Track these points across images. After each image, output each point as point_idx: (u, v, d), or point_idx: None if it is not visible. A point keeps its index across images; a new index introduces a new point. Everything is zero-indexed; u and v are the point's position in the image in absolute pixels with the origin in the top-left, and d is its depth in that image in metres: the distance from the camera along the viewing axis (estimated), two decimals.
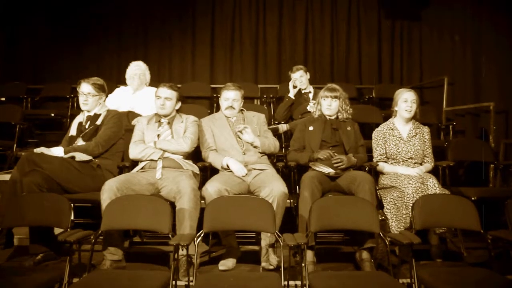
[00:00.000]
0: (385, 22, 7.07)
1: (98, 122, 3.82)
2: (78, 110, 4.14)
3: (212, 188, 3.31)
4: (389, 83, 6.80)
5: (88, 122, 3.83)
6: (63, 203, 2.85)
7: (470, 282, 2.45)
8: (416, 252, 2.63)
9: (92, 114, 3.86)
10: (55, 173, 3.40)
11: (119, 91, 4.93)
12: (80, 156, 3.60)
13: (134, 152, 3.69)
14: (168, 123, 3.83)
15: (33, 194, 3.12)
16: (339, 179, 3.63)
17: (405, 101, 3.83)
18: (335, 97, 3.88)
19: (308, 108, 4.87)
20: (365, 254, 3.31)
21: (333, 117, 3.92)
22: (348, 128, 3.89)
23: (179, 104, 3.89)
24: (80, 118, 3.93)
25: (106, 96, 4.01)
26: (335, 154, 3.67)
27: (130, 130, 3.99)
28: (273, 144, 3.89)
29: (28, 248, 3.38)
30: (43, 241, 3.34)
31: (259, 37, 7.19)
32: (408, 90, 3.89)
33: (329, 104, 3.89)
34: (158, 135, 3.74)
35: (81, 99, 3.84)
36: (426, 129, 3.91)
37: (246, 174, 3.59)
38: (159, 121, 3.84)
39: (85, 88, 3.82)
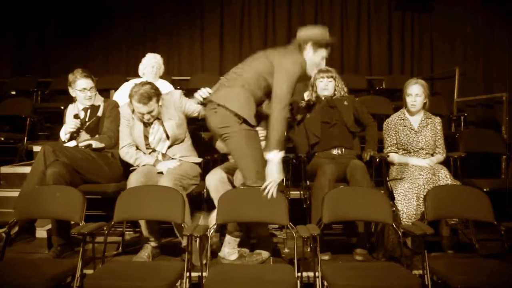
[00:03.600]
0: (396, 13, 7.01)
1: (99, 113, 3.81)
2: None
3: (215, 175, 3.38)
4: (400, 74, 6.75)
5: (88, 114, 3.81)
6: (77, 196, 2.87)
7: (483, 273, 2.45)
8: (427, 244, 2.62)
9: (88, 105, 3.82)
10: (77, 164, 3.45)
11: (131, 84, 4.89)
12: (96, 144, 3.64)
13: (127, 158, 3.64)
14: (158, 119, 3.60)
15: (47, 187, 3.14)
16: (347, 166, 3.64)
17: (409, 95, 3.80)
18: (331, 77, 3.88)
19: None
20: (359, 251, 3.36)
21: (328, 96, 3.90)
22: (345, 103, 3.88)
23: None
24: (74, 110, 3.87)
25: None
26: None
27: None
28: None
29: (51, 240, 3.43)
30: (63, 233, 3.38)
31: (268, 31, 7.15)
32: (414, 83, 3.81)
33: (325, 85, 3.89)
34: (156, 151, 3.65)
35: (85, 95, 3.75)
36: (437, 120, 3.87)
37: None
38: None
39: (87, 83, 3.75)
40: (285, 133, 3.14)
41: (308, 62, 3.09)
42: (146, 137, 3.59)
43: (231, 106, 2.97)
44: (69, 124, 3.72)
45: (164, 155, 3.62)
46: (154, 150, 3.62)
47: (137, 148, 3.64)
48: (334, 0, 7.13)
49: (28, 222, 3.58)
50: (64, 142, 3.72)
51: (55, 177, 3.25)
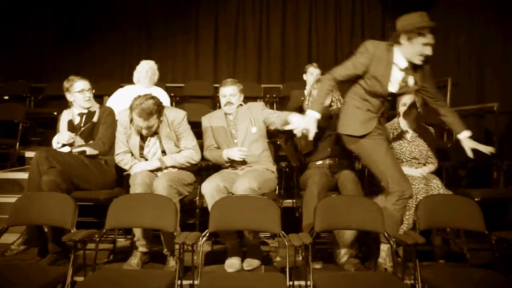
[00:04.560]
0: (389, 23, 7.06)
1: (95, 119, 3.81)
2: None
3: (211, 185, 3.35)
4: None
5: (83, 120, 3.81)
6: (69, 203, 2.85)
7: (474, 282, 2.45)
8: (419, 253, 2.63)
9: (85, 111, 3.83)
10: (70, 170, 3.44)
11: (124, 90, 4.91)
12: (90, 151, 3.63)
13: (121, 165, 3.66)
14: (156, 133, 3.57)
15: (39, 193, 3.14)
16: (337, 175, 3.65)
17: (404, 105, 3.82)
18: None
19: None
20: (351, 260, 3.35)
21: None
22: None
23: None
24: (68, 115, 3.87)
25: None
26: None
27: None
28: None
29: (48, 247, 3.39)
30: (59, 240, 3.32)
31: (262, 37, 7.20)
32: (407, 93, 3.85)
33: None
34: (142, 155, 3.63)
35: (84, 96, 3.77)
36: (431, 130, 3.90)
37: (245, 156, 3.64)
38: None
39: (85, 85, 3.79)
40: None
41: (407, 53, 3.06)
42: (141, 148, 3.59)
43: (341, 130, 3.24)
44: (63, 136, 3.70)
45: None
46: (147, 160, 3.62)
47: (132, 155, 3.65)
48: (328, 7, 7.19)
49: (37, 229, 3.56)
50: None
51: (50, 185, 3.24)
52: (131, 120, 3.51)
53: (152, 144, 3.56)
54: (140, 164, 3.51)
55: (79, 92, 3.77)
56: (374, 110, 3.16)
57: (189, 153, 3.61)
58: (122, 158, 3.62)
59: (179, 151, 3.62)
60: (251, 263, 3.34)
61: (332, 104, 3.91)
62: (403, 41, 3.05)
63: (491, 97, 6.01)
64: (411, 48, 3.03)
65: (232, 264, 3.30)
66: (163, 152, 3.57)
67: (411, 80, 3.14)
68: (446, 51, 6.82)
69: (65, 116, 3.87)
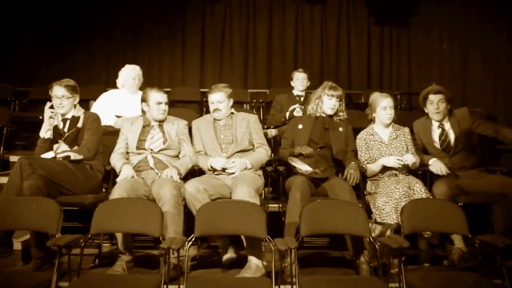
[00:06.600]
0: (375, 28, 7.14)
1: (79, 125, 3.78)
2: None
3: (191, 187, 3.33)
4: (379, 89, 6.84)
5: (67, 125, 3.78)
6: (53, 208, 2.82)
7: (458, 286, 2.49)
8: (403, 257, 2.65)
9: (69, 116, 3.80)
10: (54, 176, 3.41)
11: (109, 94, 4.90)
12: (75, 156, 3.61)
13: (112, 162, 3.76)
14: (159, 125, 3.84)
15: (23, 197, 3.09)
16: (324, 184, 3.66)
17: (384, 108, 3.86)
18: (339, 96, 3.90)
19: (295, 113, 4.90)
20: (362, 258, 3.32)
21: (327, 116, 3.93)
22: (340, 129, 3.90)
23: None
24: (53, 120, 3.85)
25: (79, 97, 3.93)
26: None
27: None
28: (264, 155, 3.80)
29: (31, 252, 3.35)
30: (43, 246, 3.28)
31: (249, 43, 7.22)
32: (385, 96, 3.89)
33: (333, 104, 3.90)
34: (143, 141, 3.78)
35: (56, 102, 3.75)
36: (406, 130, 3.95)
37: (230, 169, 3.63)
38: (148, 124, 3.84)
39: (59, 91, 3.73)
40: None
41: (432, 116, 4.01)
42: (141, 140, 3.77)
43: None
44: (46, 114, 3.72)
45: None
46: (143, 149, 3.73)
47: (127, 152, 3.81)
48: (314, 14, 7.24)
49: (3, 235, 3.52)
50: (44, 138, 3.69)
51: (32, 189, 3.20)
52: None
53: (156, 133, 3.80)
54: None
55: (54, 97, 3.76)
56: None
57: (191, 157, 3.82)
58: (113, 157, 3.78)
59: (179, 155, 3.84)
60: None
61: (340, 113, 3.95)
62: (426, 110, 4.04)
63: (475, 102, 6.07)
64: (430, 112, 3.99)
65: (229, 258, 3.32)
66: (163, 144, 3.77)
67: (451, 134, 3.93)
68: (430, 57, 6.93)
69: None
